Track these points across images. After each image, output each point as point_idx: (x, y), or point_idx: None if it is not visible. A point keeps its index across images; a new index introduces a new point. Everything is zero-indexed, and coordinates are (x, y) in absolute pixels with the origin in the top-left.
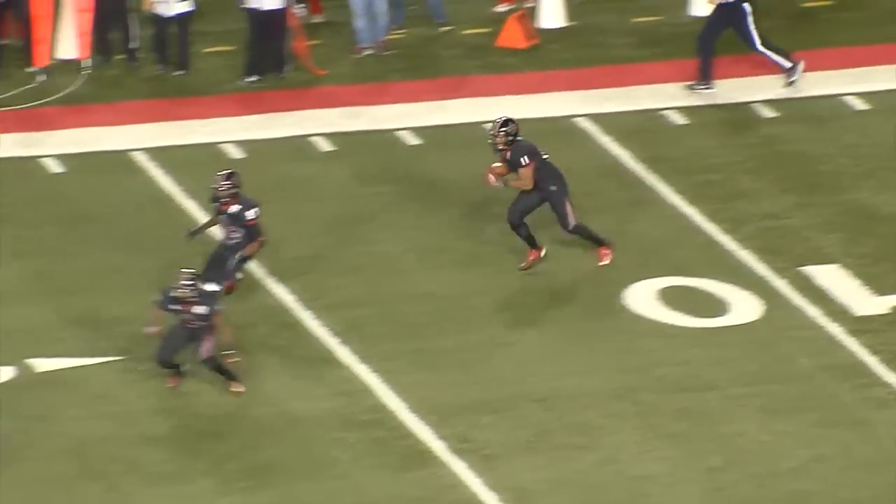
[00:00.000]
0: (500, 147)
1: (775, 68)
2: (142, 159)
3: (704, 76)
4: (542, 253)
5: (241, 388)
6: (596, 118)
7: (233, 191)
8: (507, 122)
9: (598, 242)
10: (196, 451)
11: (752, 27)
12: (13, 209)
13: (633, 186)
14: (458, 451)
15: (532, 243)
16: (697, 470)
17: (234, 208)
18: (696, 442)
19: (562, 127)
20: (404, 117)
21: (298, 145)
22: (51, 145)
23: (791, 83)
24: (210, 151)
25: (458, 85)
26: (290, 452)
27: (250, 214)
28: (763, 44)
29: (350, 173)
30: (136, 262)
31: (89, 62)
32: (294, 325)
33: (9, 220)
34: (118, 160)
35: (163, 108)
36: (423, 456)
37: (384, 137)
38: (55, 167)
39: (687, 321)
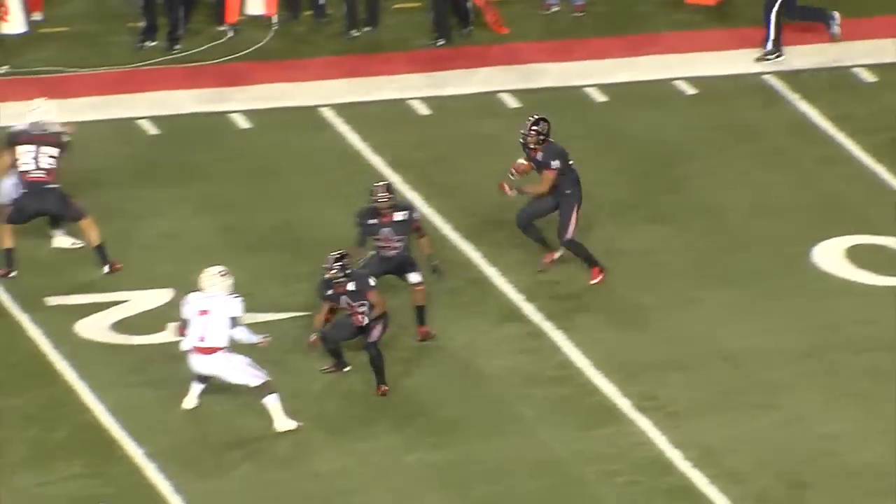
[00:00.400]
0: (532, 146)
1: None
2: (329, 115)
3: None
4: (557, 255)
5: (386, 389)
6: (782, 76)
7: (394, 201)
8: (539, 120)
9: (591, 262)
10: (382, 407)
11: None
12: (203, 164)
13: (820, 143)
14: (644, 409)
15: (545, 244)
16: (884, 430)
17: (399, 215)
18: (883, 402)
19: (750, 84)
20: (592, 74)
21: (485, 102)
22: (240, 101)
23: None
24: (397, 108)
25: (646, 42)
26: (475, 409)
27: (416, 216)
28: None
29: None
30: (324, 217)
31: (278, 18)
32: (480, 282)
33: (198, 175)
34: (306, 116)
35: (350, 65)
36: (609, 413)
37: (571, 94)
38: (244, 123)
39: (875, 280)
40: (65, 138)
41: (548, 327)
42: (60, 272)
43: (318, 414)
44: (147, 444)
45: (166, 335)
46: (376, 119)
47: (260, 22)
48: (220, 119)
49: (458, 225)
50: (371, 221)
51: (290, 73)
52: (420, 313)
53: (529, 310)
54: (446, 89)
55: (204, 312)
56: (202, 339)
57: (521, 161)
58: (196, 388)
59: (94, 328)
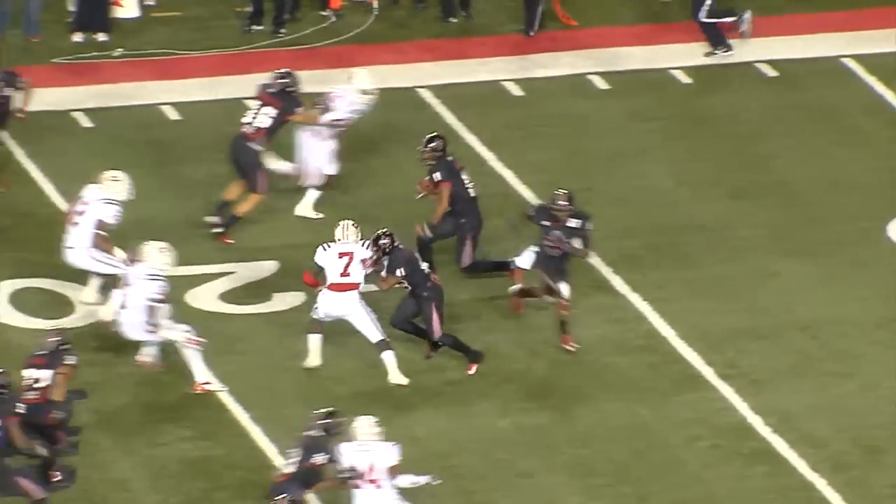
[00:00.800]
0: (429, 163)
1: None
2: (427, 96)
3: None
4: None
5: (473, 370)
6: (861, 59)
7: (572, 210)
8: (434, 138)
9: (501, 267)
10: (476, 374)
11: None
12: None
13: (895, 124)
14: (726, 376)
15: (502, 267)
16: None
17: (573, 223)
18: None
19: (827, 67)
20: (678, 57)
21: (575, 83)
22: (342, 82)
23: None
24: (491, 89)
25: (728, 26)
26: (565, 375)
27: (589, 226)
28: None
29: (624, 110)
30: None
31: (378, 3)
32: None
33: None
34: (405, 97)
35: (446, 48)
36: (693, 380)
37: (657, 76)
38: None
39: None
40: (297, 109)
41: (635, 298)
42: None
43: (415, 381)
44: (252, 409)
45: (272, 305)
46: (471, 99)
47: (361, 7)
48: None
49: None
50: (545, 222)
51: (390, 55)
52: (563, 326)
53: (617, 282)
54: (537, 71)
55: (345, 255)
56: (344, 275)
57: (425, 178)
58: (315, 345)
59: (203, 297)
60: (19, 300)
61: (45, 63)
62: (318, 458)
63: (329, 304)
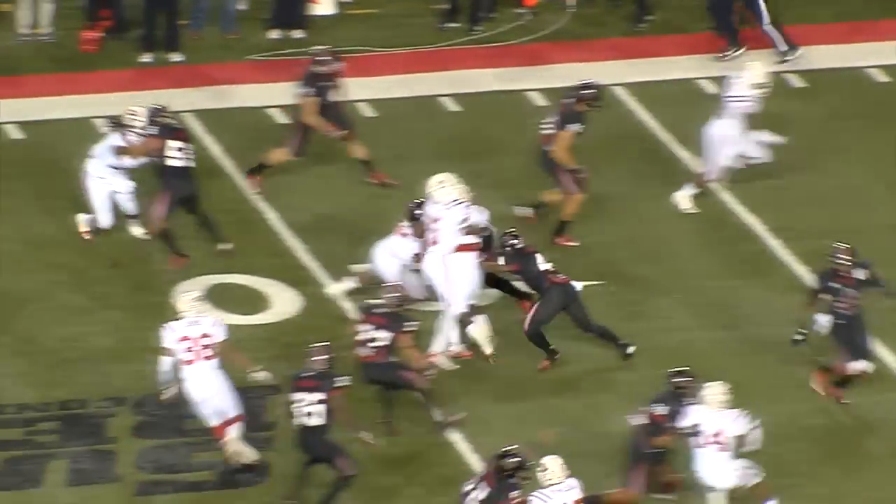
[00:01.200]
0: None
1: None
2: (621, 93)
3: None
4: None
5: (546, 364)
6: None
7: (854, 260)
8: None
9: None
10: (668, 372)
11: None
12: (500, 140)
13: None
14: None
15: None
16: None
17: (860, 273)
18: None
19: None
20: (874, 56)
21: (773, 82)
22: (537, 80)
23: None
24: (685, 87)
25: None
26: (757, 374)
27: (882, 281)
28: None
29: (821, 108)
30: (617, 192)
31: (573, 1)
32: (763, 253)
33: (496, 150)
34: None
35: (640, 46)
36: (888, 380)
37: (854, 74)
38: (540, 100)
39: None
40: (579, 108)
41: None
42: (363, 241)
43: (608, 378)
44: (451, 411)
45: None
46: (666, 98)
47: (556, 5)
48: (517, 97)
49: (743, 199)
50: (833, 284)
51: (584, 53)
52: (841, 381)
53: (811, 281)
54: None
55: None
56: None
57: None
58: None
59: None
60: (217, 296)
61: (242, 60)
62: (659, 410)
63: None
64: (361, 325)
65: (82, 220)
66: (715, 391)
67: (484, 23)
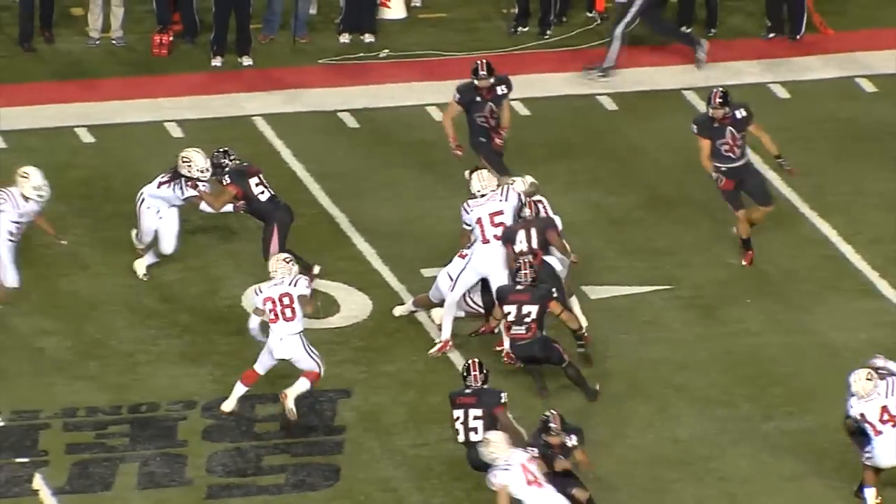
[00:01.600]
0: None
1: None
2: (692, 98)
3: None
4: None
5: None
6: None
7: None
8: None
9: None
10: (739, 377)
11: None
12: (571, 144)
13: None
14: None
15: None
16: None
17: None
18: None
19: None
20: None
21: (843, 86)
22: (606, 84)
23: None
24: (756, 91)
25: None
26: (830, 380)
27: None
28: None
29: (893, 113)
30: (684, 196)
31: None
32: (835, 258)
33: (567, 154)
34: (669, 99)
35: (712, 50)
36: None
37: None
38: (610, 105)
39: None
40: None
41: None
42: (432, 245)
43: (679, 383)
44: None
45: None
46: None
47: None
48: (587, 101)
49: (812, 203)
50: None
51: (654, 57)
52: None
53: (884, 286)
54: (804, 73)
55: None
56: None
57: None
58: None
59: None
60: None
61: (313, 64)
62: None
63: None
64: (507, 307)
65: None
66: (860, 378)
67: (555, 27)
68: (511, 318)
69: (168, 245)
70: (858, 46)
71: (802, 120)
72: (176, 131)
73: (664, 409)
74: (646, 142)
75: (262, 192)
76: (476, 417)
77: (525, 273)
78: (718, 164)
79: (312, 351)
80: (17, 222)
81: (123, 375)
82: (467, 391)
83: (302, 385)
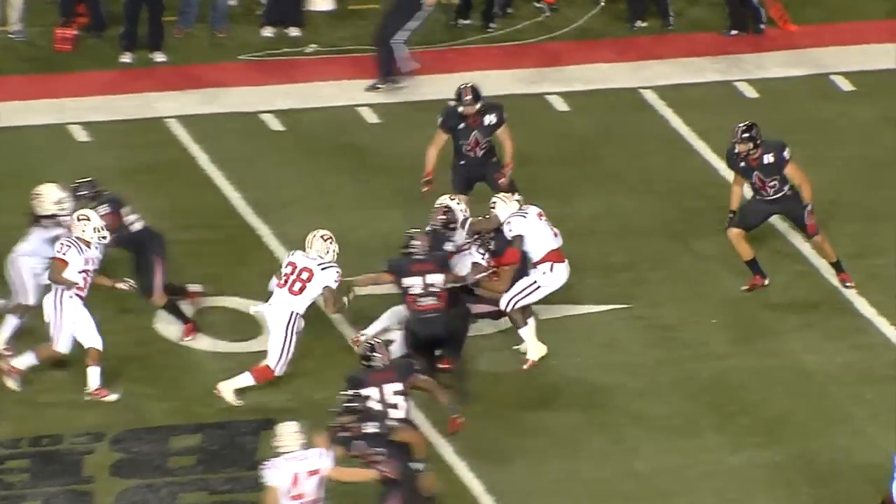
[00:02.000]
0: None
1: None
2: (651, 98)
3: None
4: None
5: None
6: None
7: None
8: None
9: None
10: (704, 404)
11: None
12: (520, 148)
13: None
14: None
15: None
16: None
17: None
18: None
19: None
20: None
21: (817, 84)
22: (557, 82)
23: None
24: (723, 90)
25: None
26: (802, 408)
27: None
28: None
29: (875, 114)
30: (645, 207)
31: None
32: (808, 274)
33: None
34: (627, 99)
35: (672, 45)
36: None
37: None
38: (561, 105)
39: None
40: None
41: (881, 323)
42: (365, 261)
43: (638, 411)
44: (454, 442)
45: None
46: (700, 102)
47: (577, 0)
48: (535, 101)
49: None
50: None
51: (610, 53)
52: None
53: (862, 304)
54: (773, 71)
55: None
56: None
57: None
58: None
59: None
60: (205, 320)
61: (233, 60)
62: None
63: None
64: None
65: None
66: None
67: (499, 19)
68: (417, 290)
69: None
70: (834, 40)
71: (773, 121)
72: (81, 135)
73: (622, 440)
74: (600, 146)
75: (138, 223)
76: (397, 392)
77: (418, 244)
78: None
79: (288, 345)
80: (83, 271)
81: (22, 405)
82: (379, 366)
83: (243, 380)
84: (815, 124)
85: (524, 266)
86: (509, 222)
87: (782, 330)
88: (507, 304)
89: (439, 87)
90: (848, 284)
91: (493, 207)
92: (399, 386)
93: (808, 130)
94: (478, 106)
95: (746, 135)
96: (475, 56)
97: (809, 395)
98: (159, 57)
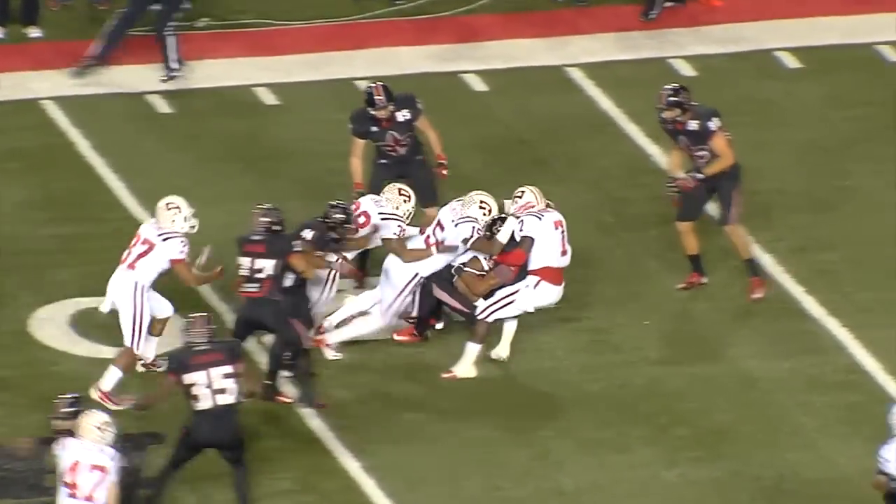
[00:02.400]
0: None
1: None
2: (578, 76)
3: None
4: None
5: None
6: None
7: None
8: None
9: None
10: (636, 415)
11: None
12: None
13: None
14: None
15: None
16: None
17: None
18: None
19: None
20: (886, 30)
21: (760, 62)
22: (474, 59)
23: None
24: (657, 68)
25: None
26: (746, 418)
27: None
28: None
29: (821, 94)
30: (571, 197)
31: None
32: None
33: (424, 142)
34: (550, 77)
35: (601, 18)
36: None
37: (861, 53)
38: (479, 85)
39: None
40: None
41: (832, 324)
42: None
43: (564, 424)
44: (364, 458)
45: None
46: (631, 81)
47: None
48: (451, 81)
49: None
50: None
51: (531, 28)
52: None
53: (811, 304)
54: (713, 47)
55: None
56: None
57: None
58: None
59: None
60: (83, 323)
61: None
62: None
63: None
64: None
65: None
66: None
67: None
68: (244, 272)
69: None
70: (778, 13)
71: (712, 102)
72: None
73: (546, 454)
74: (522, 130)
75: None
76: (227, 375)
77: (265, 221)
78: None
79: (139, 318)
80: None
81: None
82: (203, 349)
83: (112, 375)
84: (758, 105)
85: (521, 275)
86: (522, 221)
87: (723, 333)
88: (483, 312)
89: (343, 65)
90: (756, 295)
91: (520, 196)
92: (228, 369)
93: (750, 112)
94: (391, 107)
95: (673, 99)
96: (383, 31)
97: (753, 404)
98: (34, 32)
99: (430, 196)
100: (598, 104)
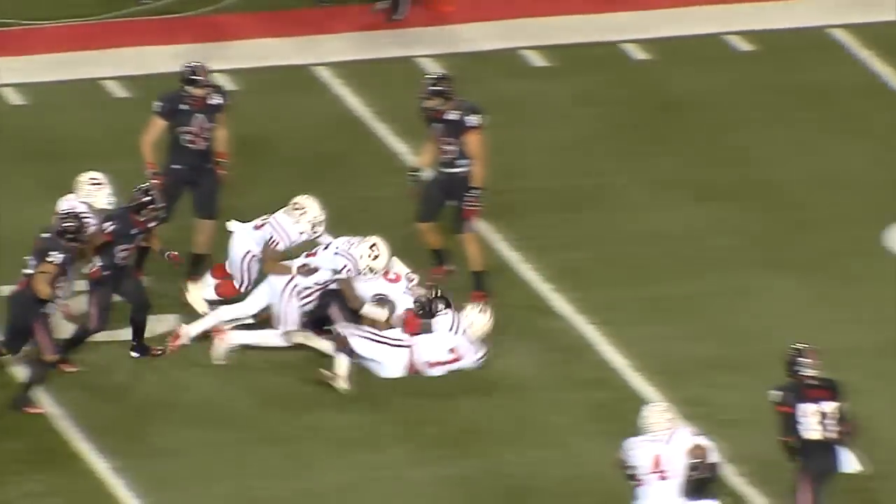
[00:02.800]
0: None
1: None
2: (325, 75)
3: None
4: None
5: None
6: (852, 30)
7: None
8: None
9: None
10: (386, 414)
11: None
12: None
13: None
14: (692, 417)
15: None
16: None
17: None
18: None
19: (813, 39)
20: (631, 28)
21: (508, 60)
22: (222, 59)
23: None
24: (406, 67)
25: None
26: (495, 416)
27: None
28: None
29: (566, 92)
30: (321, 195)
31: None
32: (502, 270)
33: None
34: (296, 76)
35: (351, 17)
36: None
37: (608, 51)
38: (227, 84)
39: None
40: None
41: (580, 322)
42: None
43: (313, 423)
44: (115, 459)
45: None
46: (381, 80)
47: None
48: None
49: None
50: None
51: (279, 26)
52: None
53: (559, 302)
54: (460, 46)
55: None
56: None
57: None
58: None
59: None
60: None
61: None
62: None
63: None
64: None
65: None
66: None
67: None
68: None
69: None
70: (527, 10)
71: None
72: None
73: (296, 454)
74: (269, 130)
75: None
76: None
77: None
78: None
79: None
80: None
81: None
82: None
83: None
84: (506, 103)
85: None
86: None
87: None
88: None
89: (91, 66)
90: (477, 306)
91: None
92: None
93: (497, 110)
94: (209, 88)
95: (434, 88)
96: (129, 30)
97: (502, 402)
98: None
99: (209, 210)
100: (345, 103)
